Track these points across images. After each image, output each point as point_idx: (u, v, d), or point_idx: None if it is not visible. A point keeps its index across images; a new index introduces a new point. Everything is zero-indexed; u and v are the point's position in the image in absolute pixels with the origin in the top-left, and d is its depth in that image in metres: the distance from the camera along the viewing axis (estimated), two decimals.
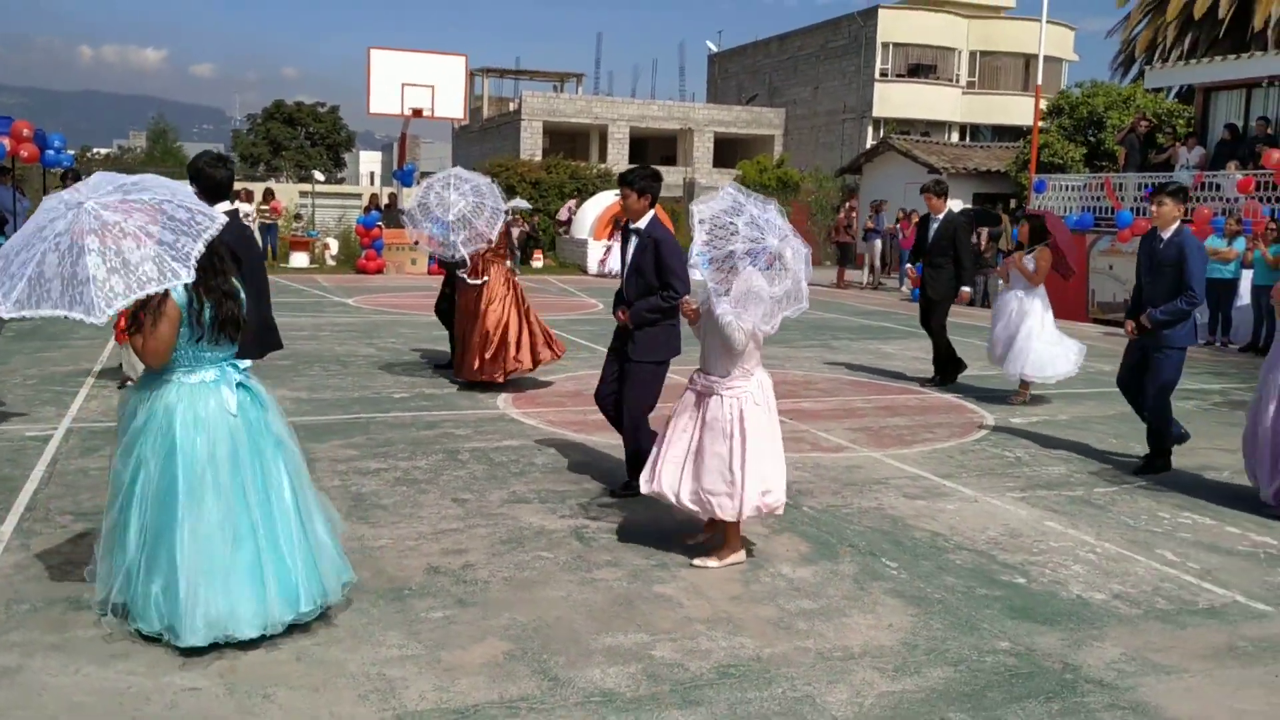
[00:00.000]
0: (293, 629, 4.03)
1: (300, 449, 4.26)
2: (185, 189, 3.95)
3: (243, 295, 4.18)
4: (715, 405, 4.88)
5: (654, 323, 5.83)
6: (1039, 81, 18.41)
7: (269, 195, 24.84)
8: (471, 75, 52.22)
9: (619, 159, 43.50)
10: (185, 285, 3.87)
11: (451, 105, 22.43)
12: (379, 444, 7.21)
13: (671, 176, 39.96)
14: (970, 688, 3.84)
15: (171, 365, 3.96)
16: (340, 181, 53.31)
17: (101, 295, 3.46)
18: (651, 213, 5.91)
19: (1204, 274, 6.79)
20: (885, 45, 39.61)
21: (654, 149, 48.35)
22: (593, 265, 25.04)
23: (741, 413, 4.82)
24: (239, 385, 4.07)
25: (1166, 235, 6.81)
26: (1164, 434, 7.02)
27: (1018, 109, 37.22)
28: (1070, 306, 17.48)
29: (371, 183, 49.23)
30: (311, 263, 24.28)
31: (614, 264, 21.89)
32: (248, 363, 4.19)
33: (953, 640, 4.26)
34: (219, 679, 3.69)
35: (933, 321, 10.08)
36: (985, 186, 26.35)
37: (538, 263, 25.61)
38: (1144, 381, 6.96)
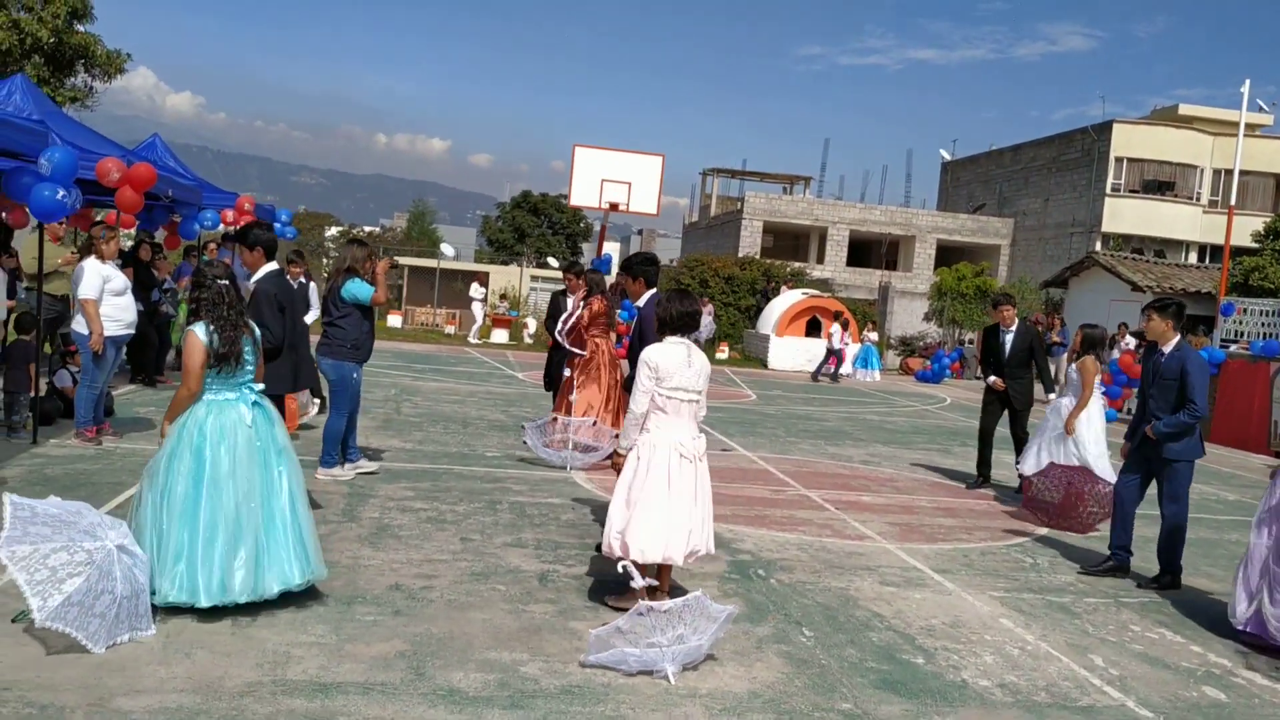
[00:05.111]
0: (253, 609, 4.93)
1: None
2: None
3: (255, 335, 5.29)
4: None
5: None
6: (1233, 201, 17.73)
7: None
8: (703, 176, 54.80)
9: (837, 260, 44.20)
10: (205, 325, 5.04)
11: (646, 201, 23.71)
12: (437, 490, 8.13)
13: (875, 279, 40.22)
14: None
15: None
16: None
17: None
18: (649, 292, 6.74)
19: (1205, 386, 6.78)
20: (1119, 160, 38.68)
21: (876, 252, 48.59)
22: (775, 361, 25.60)
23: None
24: (254, 404, 5.14)
25: (1167, 349, 6.88)
26: (1175, 550, 6.96)
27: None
28: (1251, 437, 16.59)
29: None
30: (510, 339, 26.10)
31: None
32: (260, 386, 5.28)
33: (800, 697, 4.62)
34: (164, 637, 4.60)
35: (1017, 428, 10.22)
36: (1193, 307, 25.11)
37: (721, 354, 26.41)
38: (1159, 498, 7.00)
